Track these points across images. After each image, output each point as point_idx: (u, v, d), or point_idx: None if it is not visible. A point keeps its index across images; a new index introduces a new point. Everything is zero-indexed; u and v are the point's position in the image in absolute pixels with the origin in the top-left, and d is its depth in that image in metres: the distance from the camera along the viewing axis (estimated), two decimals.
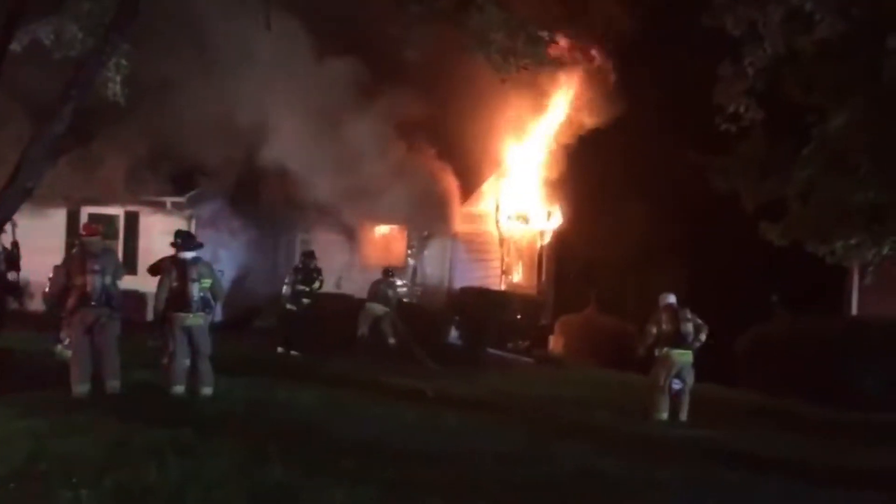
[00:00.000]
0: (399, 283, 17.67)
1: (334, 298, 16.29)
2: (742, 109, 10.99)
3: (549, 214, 20.59)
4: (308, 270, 14.97)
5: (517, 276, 20.79)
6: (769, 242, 14.21)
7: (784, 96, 11.29)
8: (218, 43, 14.41)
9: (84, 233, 9.87)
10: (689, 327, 10.72)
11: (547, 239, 21.02)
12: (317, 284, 15.00)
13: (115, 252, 12.06)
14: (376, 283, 15.74)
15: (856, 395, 13.21)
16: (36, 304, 12.01)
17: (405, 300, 17.56)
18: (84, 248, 9.56)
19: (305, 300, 14.75)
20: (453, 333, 17.79)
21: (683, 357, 10.80)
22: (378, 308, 15.58)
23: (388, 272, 15.93)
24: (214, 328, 10.34)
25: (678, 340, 10.74)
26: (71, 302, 9.29)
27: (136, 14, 10.05)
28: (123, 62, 12.58)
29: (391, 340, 15.49)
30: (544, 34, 11.48)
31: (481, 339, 17.26)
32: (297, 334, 14.59)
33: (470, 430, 9.19)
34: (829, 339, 14.02)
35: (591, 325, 20.50)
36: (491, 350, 17.26)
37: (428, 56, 15.20)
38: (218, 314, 12.45)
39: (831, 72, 10.34)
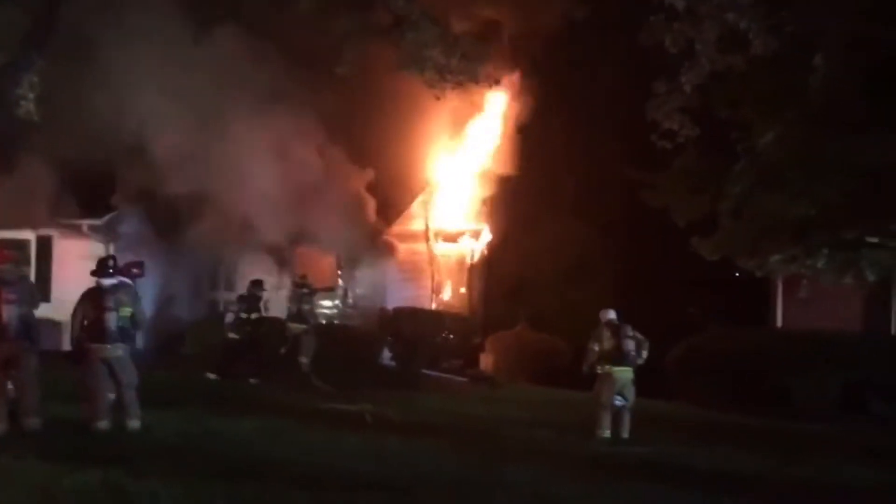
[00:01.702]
0: (329, 303, 17.32)
1: (263, 322, 15.73)
2: (676, 126, 11.08)
3: (479, 233, 20.52)
4: (254, 299, 14.64)
5: (448, 295, 20.64)
6: (698, 256, 14.47)
7: (716, 113, 11.46)
8: (135, 59, 13.83)
9: None
10: (631, 344, 10.68)
11: (476, 257, 20.92)
12: (254, 315, 14.65)
13: (30, 279, 11.40)
14: (288, 301, 15.36)
15: (788, 406, 13.46)
16: None
17: (336, 322, 17.17)
18: None
19: (248, 328, 14.42)
20: (386, 354, 17.48)
21: (624, 374, 10.74)
22: (296, 327, 15.19)
23: (301, 283, 15.43)
24: (138, 356, 9.79)
25: (619, 358, 10.68)
26: None
27: (52, 29, 9.52)
28: (36, 79, 11.95)
29: (303, 360, 15.01)
30: (479, 50, 11.36)
31: (415, 359, 17.00)
32: (247, 361, 14.19)
33: (416, 456, 8.90)
34: (761, 350, 14.25)
35: (521, 342, 20.43)
36: (425, 370, 17.00)
37: (356, 73, 14.91)
38: (139, 341, 11.88)
39: (762, 88, 10.54)
